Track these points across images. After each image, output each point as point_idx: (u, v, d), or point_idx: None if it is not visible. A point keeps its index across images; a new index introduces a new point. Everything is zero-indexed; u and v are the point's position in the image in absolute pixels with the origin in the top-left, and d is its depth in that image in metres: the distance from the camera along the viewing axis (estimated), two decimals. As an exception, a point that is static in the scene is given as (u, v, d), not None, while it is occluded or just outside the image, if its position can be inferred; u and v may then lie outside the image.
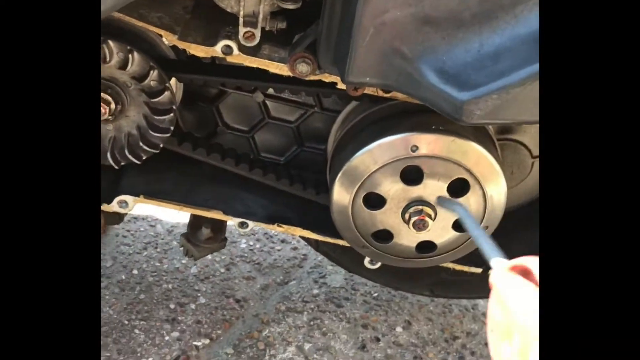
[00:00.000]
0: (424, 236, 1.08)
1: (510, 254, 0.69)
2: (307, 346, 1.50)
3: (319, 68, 0.96)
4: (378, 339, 1.54)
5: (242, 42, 0.96)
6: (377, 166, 1.02)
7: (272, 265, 1.76)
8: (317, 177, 1.21)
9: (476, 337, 1.58)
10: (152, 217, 1.87)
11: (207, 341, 1.49)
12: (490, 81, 0.81)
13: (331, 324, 1.57)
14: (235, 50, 0.97)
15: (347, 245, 1.16)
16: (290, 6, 0.93)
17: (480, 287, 1.33)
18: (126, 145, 1.07)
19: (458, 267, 1.23)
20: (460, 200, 1.04)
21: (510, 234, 1.07)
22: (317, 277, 1.73)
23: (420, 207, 1.03)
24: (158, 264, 1.70)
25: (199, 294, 1.62)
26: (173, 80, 1.07)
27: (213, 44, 0.97)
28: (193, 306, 1.58)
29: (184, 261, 1.72)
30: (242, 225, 1.17)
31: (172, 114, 1.05)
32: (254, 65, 0.99)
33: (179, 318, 1.53)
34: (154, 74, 1.02)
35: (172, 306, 1.57)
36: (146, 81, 1.02)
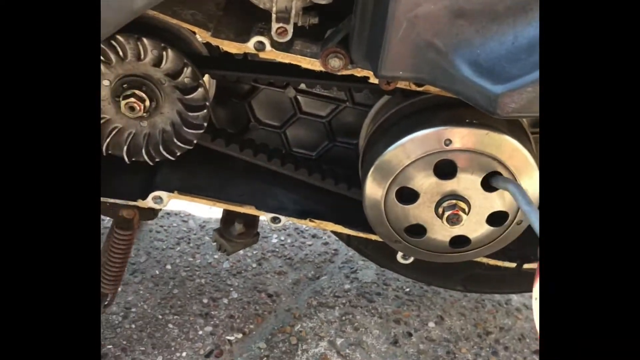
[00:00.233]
0: (457, 231, 1.08)
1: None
2: (339, 341, 1.51)
3: (351, 63, 0.96)
4: (410, 334, 1.54)
5: (275, 38, 0.96)
6: (410, 160, 1.01)
7: (304, 260, 1.77)
8: (348, 172, 1.21)
9: (509, 332, 1.57)
10: (184, 212, 1.88)
11: (240, 335, 1.50)
12: (524, 74, 0.81)
13: (363, 319, 1.57)
14: (268, 46, 0.97)
15: (379, 240, 1.15)
16: (323, 1, 0.92)
17: (514, 282, 1.32)
18: (160, 142, 1.09)
19: (492, 261, 1.22)
20: (495, 194, 1.03)
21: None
22: (348, 272, 1.73)
23: (454, 201, 1.03)
24: (191, 259, 1.72)
25: (232, 289, 1.63)
26: (206, 77, 1.08)
27: (246, 40, 0.98)
28: (226, 301, 1.59)
29: (216, 256, 1.73)
30: (274, 220, 1.18)
31: (205, 111, 1.06)
32: (286, 61, 0.99)
33: (212, 312, 1.55)
34: (187, 70, 1.02)
35: (205, 301, 1.58)
36: (180, 78, 1.03)
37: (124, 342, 1.45)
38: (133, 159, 1.11)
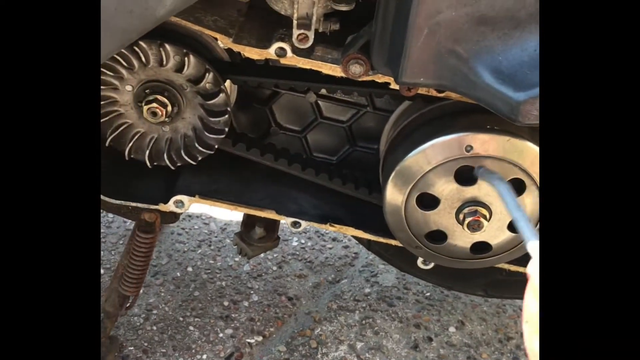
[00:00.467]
0: (478, 237, 1.07)
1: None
2: (359, 345, 1.51)
3: (372, 69, 0.96)
4: (431, 339, 1.54)
5: (296, 44, 0.96)
6: (431, 166, 1.01)
7: (324, 264, 1.77)
8: (369, 176, 1.21)
9: (531, 338, 1.55)
10: (205, 215, 1.90)
11: (260, 338, 1.51)
12: (547, 81, 0.80)
13: (383, 323, 1.57)
14: (289, 52, 0.98)
15: (400, 245, 1.15)
16: (344, 8, 0.93)
17: (535, 288, 1.31)
18: (182, 147, 1.09)
19: (513, 267, 1.21)
20: (516, 200, 1.03)
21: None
22: (368, 275, 1.73)
23: (474, 207, 1.02)
24: (212, 262, 1.73)
25: (252, 292, 1.64)
26: (227, 82, 1.08)
27: (267, 47, 0.98)
28: (246, 304, 1.60)
29: (237, 259, 1.74)
30: (295, 224, 1.18)
31: (226, 116, 1.06)
32: (307, 67, 1.00)
33: (233, 315, 1.56)
34: (209, 76, 1.03)
35: (225, 303, 1.59)
36: (202, 83, 1.04)
37: (145, 344, 1.46)
38: (155, 164, 1.12)
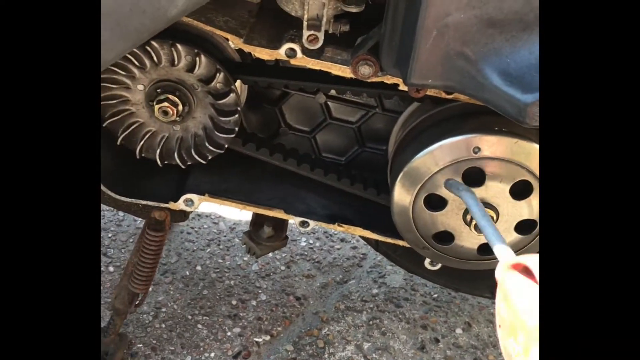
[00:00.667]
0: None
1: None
2: (366, 345, 1.51)
3: (381, 70, 0.97)
4: (437, 340, 1.54)
5: (306, 45, 0.97)
6: (439, 167, 1.02)
7: (332, 264, 1.78)
8: (377, 177, 1.22)
9: (538, 340, 1.56)
10: (215, 214, 1.91)
11: (268, 337, 1.51)
12: (555, 83, 0.81)
13: (390, 324, 1.57)
14: (299, 53, 0.99)
15: (408, 245, 1.16)
16: (354, 9, 0.93)
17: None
18: (192, 146, 1.11)
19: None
20: (523, 202, 1.03)
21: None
22: (376, 276, 1.74)
23: (482, 209, 1.03)
24: (221, 261, 1.74)
25: (260, 291, 1.65)
26: (238, 82, 1.09)
27: (277, 47, 0.99)
28: (254, 303, 1.61)
29: (245, 258, 1.75)
30: (303, 224, 1.19)
31: (237, 115, 1.07)
32: (317, 68, 1.00)
33: (241, 314, 1.57)
34: (220, 76, 1.04)
35: (234, 302, 1.60)
36: (212, 83, 1.05)
37: (154, 342, 1.47)
38: (165, 162, 1.13)
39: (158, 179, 1.20)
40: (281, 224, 1.28)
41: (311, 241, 1.86)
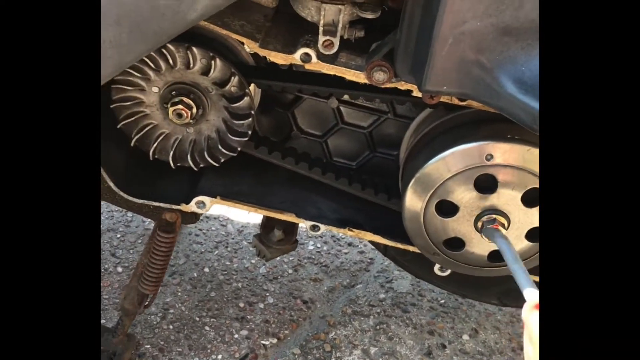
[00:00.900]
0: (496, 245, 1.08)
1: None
2: (372, 350, 1.52)
3: (395, 76, 0.97)
4: (444, 346, 1.54)
5: (321, 50, 0.97)
6: (451, 174, 1.02)
7: (339, 268, 1.78)
8: (388, 182, 1.22)
9: (545, 348, 1.56)
10: (223, 216, 1.91)
11: (275, 340, 1.52)
12: (569, 92, 0.81)
13: (397, 329, 1.58)
14: (314, 58, 0.99)
15: (417, 251, 1.16)
16: (370, 16, 0.94)
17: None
18: (206, 148, 1.11)
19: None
20: (535, 210, 1.04)
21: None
22: (383, 281, 1.74)
23: (493, 215, 1.03)
24: (228, 263, 1.75)
25: (268, 294, 1.65)
26: (252, 86, 1.10)
27: (292, 52, 1.00)
28: (262, 305, 1.61)
29: (253, 261, 1.76)
30: (314, 228, 1.19)
31: (250, 119, 1.08)
32: (331, 73, 1.01)
33: (248, 317, 1.57)
34: (234, 80, 1.05)
35: (241, 305, 1.61)
36: (227, 87, 1.05)
37: (162, 343, 1.48)
38: (178, 164, 1.14)
39: (170, 180, 1.21)
40: (291, 228, 1.29)
41: (319, 245, 1.86)
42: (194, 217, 1.28)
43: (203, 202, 1.17)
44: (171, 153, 1.12)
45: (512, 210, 1.04)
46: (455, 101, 1.02)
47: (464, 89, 0.89)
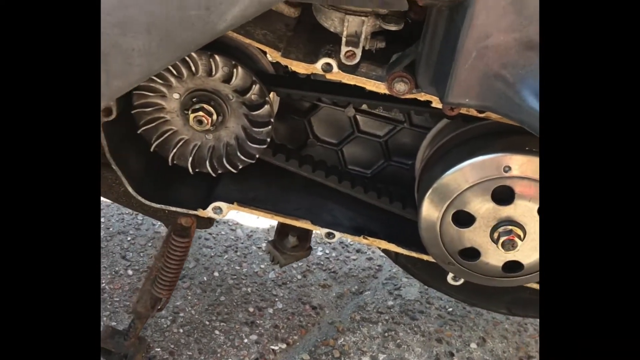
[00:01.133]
0: (511, 256, 1.09)
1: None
2: (381, 357, 1.52)
3: (416, 87, 0.98)
4: (452, 354, 1.55)
5: (343, 60, 0.98)
6: (468, 185, 1.03)
7: (348, 275, 1.79)
8: (403, 191, 1.23)
9: (552, 358, 1.56)
10: (233, 221, 1.92)
11: (284, 346, 1.53)
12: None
13: (405, 337, 1.58)
14: (335, 68, 1.00)
15: (430, 260, 1.17)
16: (393, 28, 0.95)
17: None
18: (224, 155, 1.12)
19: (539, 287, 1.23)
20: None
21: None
22: (392, 288, 1.75)
23: (509, 227, 1.04)
24: (238, 267, 1.75)
25: (277, 299, 1.66)
26: (271, 94, 1.11)
27: (314, 61, 1.00)
28: (271, 310, 1.62)
29: (262, 265, 1.76)
30: (329, 235, 1.20)
31: (269, 127, 1.09)
32: (352, 83, 1.02)
33: (258, 321, 1.58)
34: (255, 88, 1.06)
35: (251, 309, 1.61)
36: (248, 95, 1.06)
37: (172, 346, 1.48)
38: (196, 170, 1.14)
39: (187, 186, 1.21)
40: (305, 234, 1.30)
41: (327, 251, 1.87)
42: (208, 222, 1.28)
43: (220, 208, 1.18)
44: (190, 159, 1.13)
45: (528, 222, 1.05)
46: (474, 113, 1.03)
47: (486, 101, 0.90)
